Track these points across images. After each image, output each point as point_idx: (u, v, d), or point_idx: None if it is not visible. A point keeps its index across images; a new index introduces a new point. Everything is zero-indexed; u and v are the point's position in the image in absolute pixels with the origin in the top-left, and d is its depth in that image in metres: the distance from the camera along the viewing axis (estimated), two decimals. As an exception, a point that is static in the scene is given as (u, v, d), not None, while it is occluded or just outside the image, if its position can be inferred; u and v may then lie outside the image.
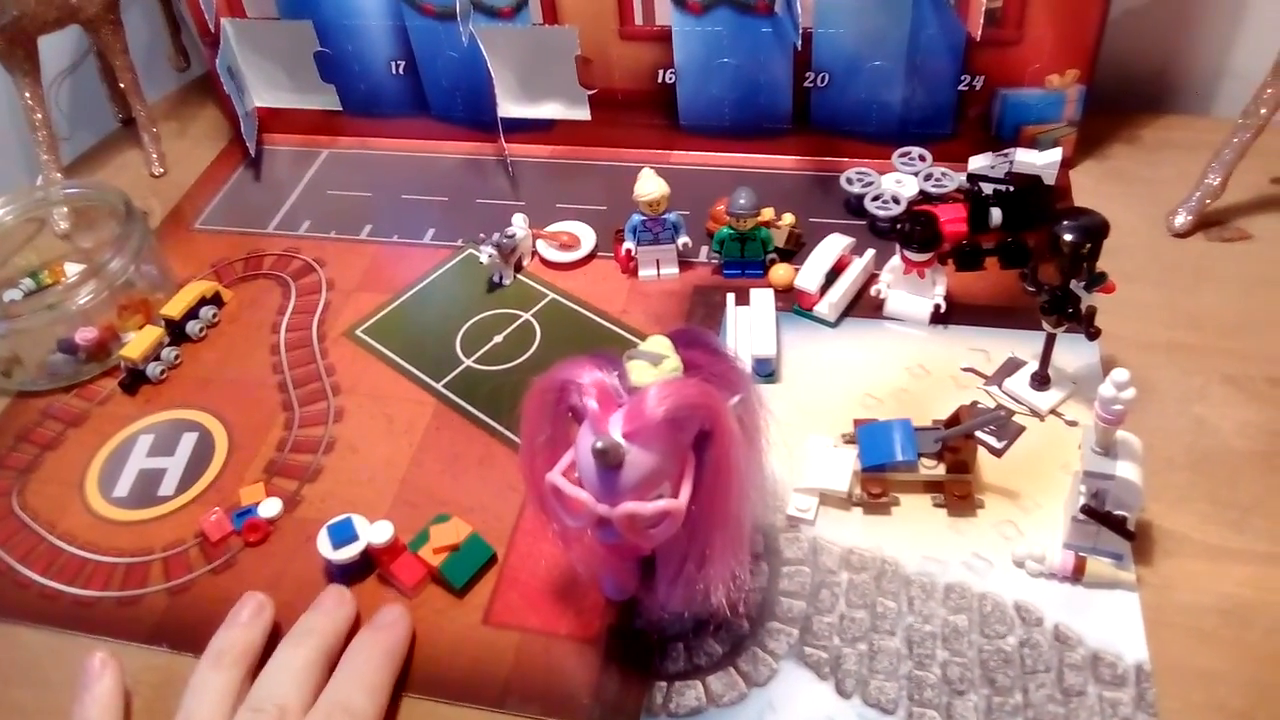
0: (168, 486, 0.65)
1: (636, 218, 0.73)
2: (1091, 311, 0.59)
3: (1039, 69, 0.75)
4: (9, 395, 0.73)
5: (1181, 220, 0.74)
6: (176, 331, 0.74)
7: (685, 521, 0.47)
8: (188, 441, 0.68)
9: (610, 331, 0.71)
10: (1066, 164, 0.80)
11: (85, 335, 0.72)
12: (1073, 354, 0.65)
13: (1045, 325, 0.60)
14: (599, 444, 0.43)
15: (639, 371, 0.47)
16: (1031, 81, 0.76)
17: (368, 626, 0.53)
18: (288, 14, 0.86)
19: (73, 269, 0.80)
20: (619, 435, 0.44)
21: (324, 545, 0.57)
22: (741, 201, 0.71)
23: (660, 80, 0.82)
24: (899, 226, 0.67)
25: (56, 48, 1.02)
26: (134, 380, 0.72)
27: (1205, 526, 0.56)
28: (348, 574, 0.58)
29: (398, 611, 0.54)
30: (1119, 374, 0.48)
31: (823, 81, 0.80)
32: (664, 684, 0.52)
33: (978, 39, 0.67)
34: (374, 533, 0.57)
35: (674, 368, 0.47)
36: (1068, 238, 0.55)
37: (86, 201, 0.82)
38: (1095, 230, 0.55)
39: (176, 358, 0.73)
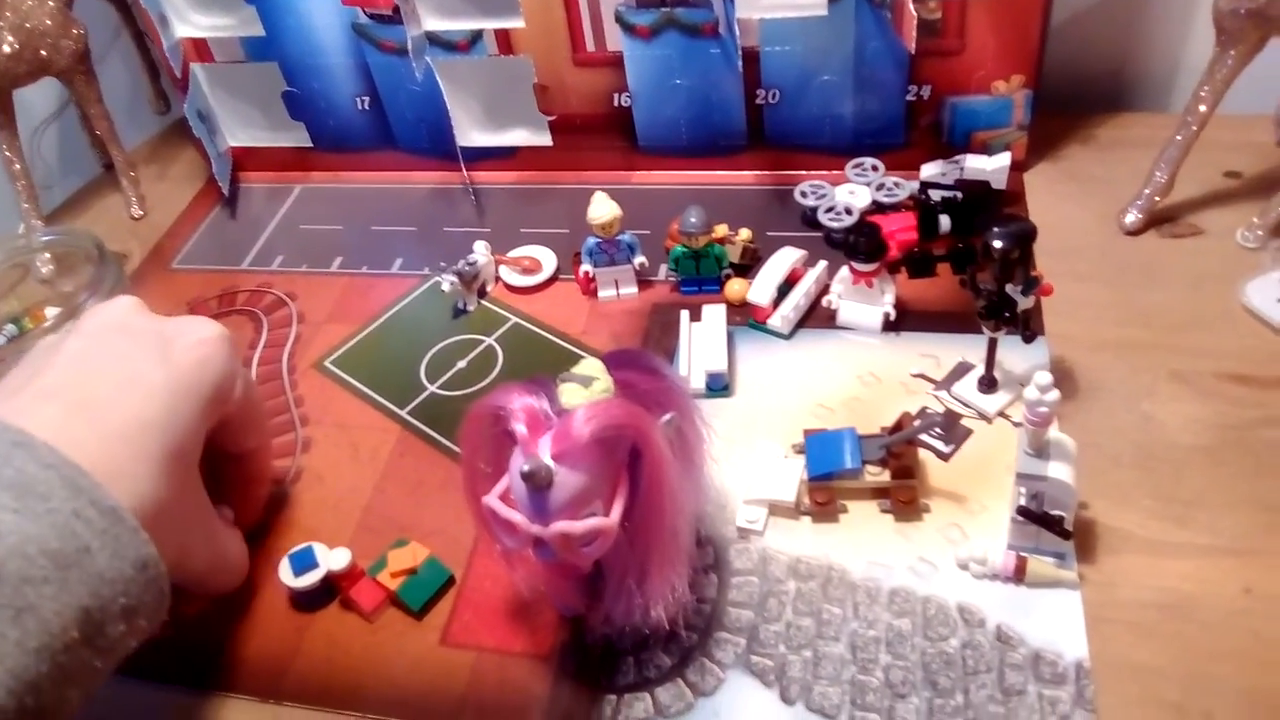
0: (141, 522, 0.67)
1: (592, 240, 0.74)
2: (1027, 315, 0.60)
3: (984, 76, 0.77)
4: (-8, 439, 0.75)
5: (1132, 218, 0.75)
6: (152, 370, 0.76)
7: (624, 538, 0.49)
8: (161, 477, 0.69)
9: (571, 353, 0.73)
10: (1019, 167, 0.80)
11: (63, 377, 0.74)
12: (1022, 355, 0.66)
13: (985, 329, 0.61)
14: (526, 467, 0.45)
15: (570, 394, 0.48)
16: (977, 89, 0.77)
17: None
18: (254, 56, 0.89)
19: (53, 313, 0.82)
20: (548, 457, 0.46)
21: (285, 573, 0.59)
22: (692, 220, 0.72)
23: (616, 104, 0.84)
24: (846, 238, 0.68)
25: (42, 96, 1.06)
26: (110, 419, 0.74)
27: (1149, 523, 0.57)
28: (310, 600, 0.59)
29: None
30: (1041, 376, 0.49)
31: (773, 98, 0.81)
32: (614, 697, 0.53)
33: (913, 52, 0.68)
34: (333, 559, 0.58)
35: (604, 389, 0.49)
36: (996, 244, 0.56)
37: (64, 247, 0.85)
38: (1023, 236, 0.56)
39: (152, 396, 0.75)
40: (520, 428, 0.46)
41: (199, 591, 0.56)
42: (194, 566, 0.53)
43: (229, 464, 0.60)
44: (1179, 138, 0.72)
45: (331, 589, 0.59)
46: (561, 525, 0.46)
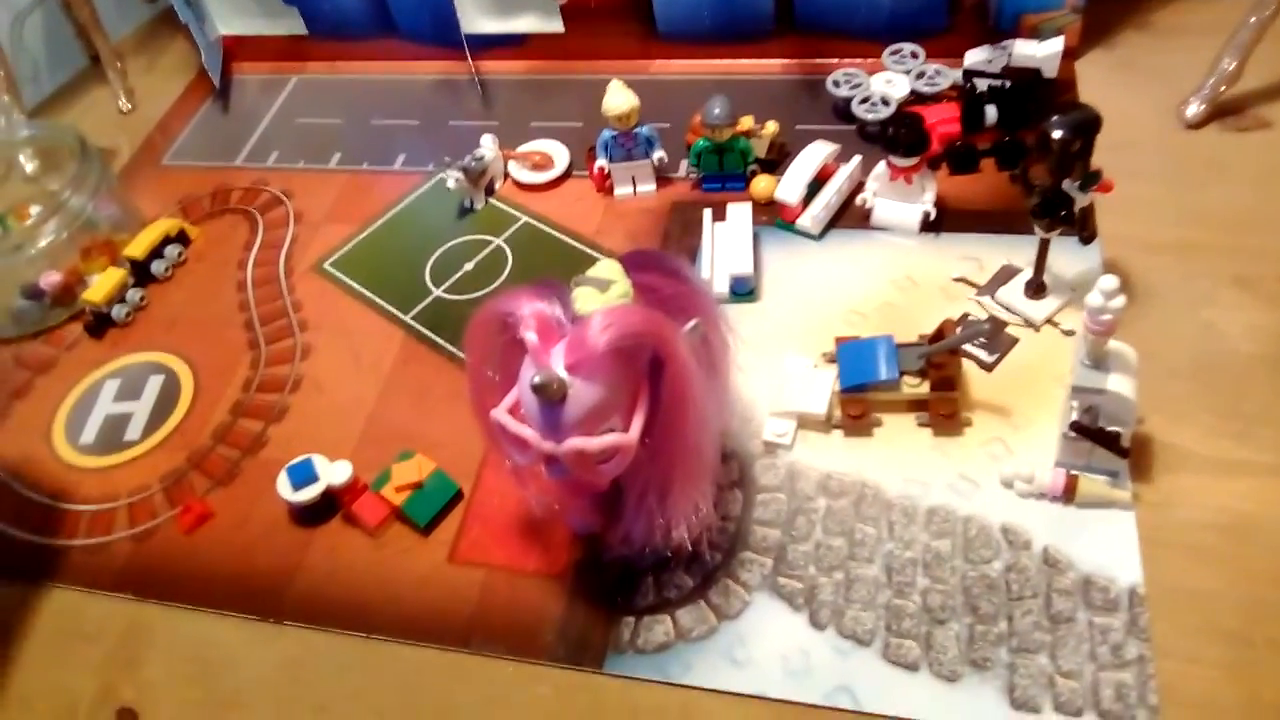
0: (134, 431, 0.64)
1: (607, 133, 0.69)
2: (1085, 213, 0.55)
3: (1036, -50, 0.70)
4: (-22, 344, 0.72)
5: (1194, 110, 0.69)
6: (142, 272, 0.72)
7: (645, 454, 0.45)
8: (154, 385, 0.66)
9: (584, 254, 0.68)
10: (1070, 54, 0.74)
11: (49, 279, 0.71)
12: (1073, 258, 0.61)
13: (1037, 229, 0.56)
14: (537, 379, 0.41)
15: (585, 299, 0.44)
16: (1029, -35, 0.71)
17: None
18: (242, -68, 0.82)
19: (37, 210, 0.77)
20: (561, 368, 0.42)
21: (284, 487, 0.55)
22: (716, 111, 0.67)
23: (634, -16, 0.78)
24: (884, 130, 0.63)
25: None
26: (100, 324, 0.70)
27: (1208, 439, 0.53)
28: (310, 515, 0.56)
29: None
30: (1106, 281, 0.45)
31: (805, -24, 0.75)
32: (632, 619, 0.50)
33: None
34: (334, 473, 0.55)
35: (623, 293, 0.45)
36: (1056, 134, 0.51)
37: (48, 142, 0.80)
38: (1086, 125, 0.51)
39: (142, 299, 0.72)
40: (531, 335, 0.42)
41: None
42: None
43: None
44: (1253, 20, 0.65)
45: (333, 503, 0.56)
46: (576, 442, 0.42)
